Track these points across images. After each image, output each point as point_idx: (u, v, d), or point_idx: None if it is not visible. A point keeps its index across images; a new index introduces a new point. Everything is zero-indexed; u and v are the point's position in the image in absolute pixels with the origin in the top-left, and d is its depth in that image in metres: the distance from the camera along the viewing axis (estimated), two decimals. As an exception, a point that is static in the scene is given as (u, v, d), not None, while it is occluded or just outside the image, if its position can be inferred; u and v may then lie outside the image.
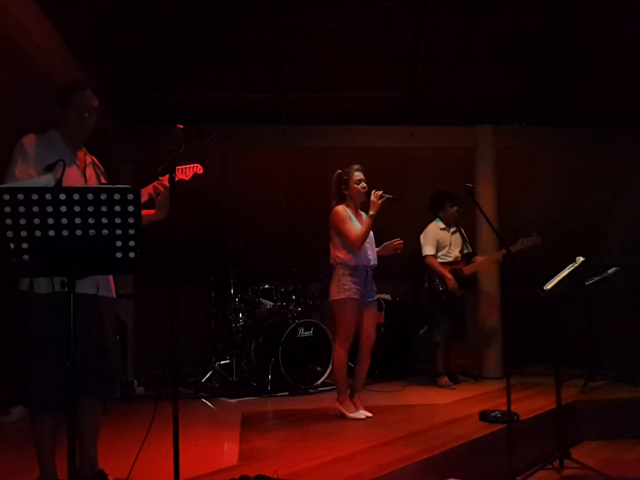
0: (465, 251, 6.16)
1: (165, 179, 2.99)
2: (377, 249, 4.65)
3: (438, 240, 6.05)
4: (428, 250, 6.01)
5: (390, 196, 4.40)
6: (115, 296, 3.02)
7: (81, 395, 2.53)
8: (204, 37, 6.34)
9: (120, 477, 2.84)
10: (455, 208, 6.10)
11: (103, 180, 3.04)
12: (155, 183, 3.01)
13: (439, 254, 6.05)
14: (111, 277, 2.99)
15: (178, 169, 3.17)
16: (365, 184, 4.52)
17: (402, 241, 4.59)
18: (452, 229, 6.15)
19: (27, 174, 2.70)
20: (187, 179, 3.21)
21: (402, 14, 6.40)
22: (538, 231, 5.68)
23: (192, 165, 3.24)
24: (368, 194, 4.44)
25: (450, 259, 6.07)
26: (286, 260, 6.68)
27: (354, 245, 4.43)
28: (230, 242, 6.55)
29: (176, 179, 3.11)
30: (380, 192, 4.39)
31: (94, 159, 3.08)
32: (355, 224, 4.49)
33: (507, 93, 6.91)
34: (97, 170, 3.04)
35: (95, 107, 2.93)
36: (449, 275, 5.91)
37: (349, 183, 4.54)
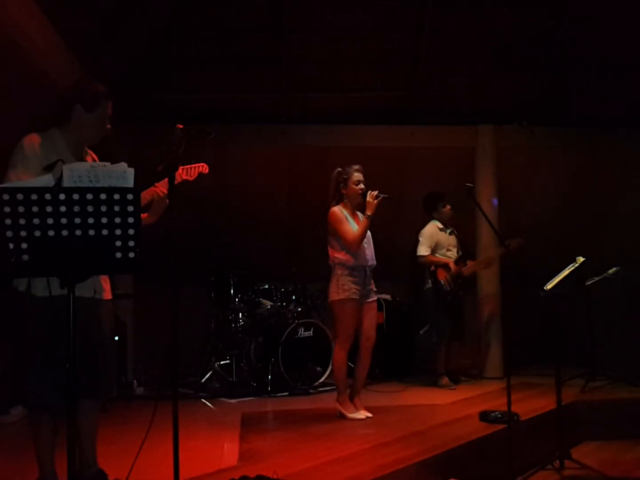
0: (460, 253, 6.16)
1: (163, 186, 2.96)
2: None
3: (437, 241, 6.03)
4: (423, 250, 5.98)
5: (387, 195, 4.39)
6: (111, 298, 2.99)
7: (79, 396, 2.52)
8: (204, 37, 6.33)
9: (120, 477, 2.84)
10: (449, 207, 6.10)
11: None
12: (152, 189, 2.97)
13: (436, 254, 6.04)
14: (108, 279, 2.98)
15: (182, 169, 3.11)
16: (363, 186, 4.49)
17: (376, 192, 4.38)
18: (449, 230, 6.15)
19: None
20: (191, 179, 3.14)
21: (402, 14, 6.39)
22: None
23: (196, 165, 3.16)
24: (364, 195, 4.43)
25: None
26: (286, 260, 6.68)
27: (351, 246, 4.42)
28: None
29: (180, 179, 3.10)
30: (375, 192, 4.38)
31: (96, 158, 3.04)
32: (352, 224, 4.48)
33: (507, 93, 6.90)
34: None
35: (110, 116, 2.92)
36: (453, 265, 5.90)
37: (348, 183, 4.53)
